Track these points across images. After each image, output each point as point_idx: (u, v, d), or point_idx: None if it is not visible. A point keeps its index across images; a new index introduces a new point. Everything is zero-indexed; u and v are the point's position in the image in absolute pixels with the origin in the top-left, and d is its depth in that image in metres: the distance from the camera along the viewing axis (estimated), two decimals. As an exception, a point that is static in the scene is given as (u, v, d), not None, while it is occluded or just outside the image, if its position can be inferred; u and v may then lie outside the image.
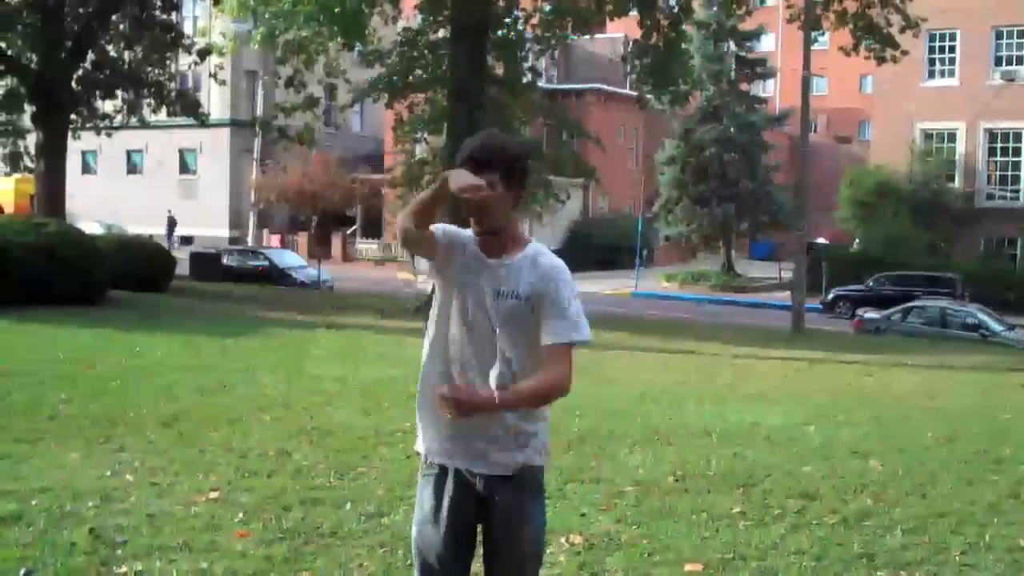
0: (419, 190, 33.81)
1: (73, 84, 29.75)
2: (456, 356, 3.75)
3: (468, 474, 3.77)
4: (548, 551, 6.35)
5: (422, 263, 3.79)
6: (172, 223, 52.45)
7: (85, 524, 6.46)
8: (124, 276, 24.20)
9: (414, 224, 3.65)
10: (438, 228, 3.75)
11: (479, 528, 3.85)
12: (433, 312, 3.84)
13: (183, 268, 32.05)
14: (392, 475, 8.18)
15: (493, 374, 3.69)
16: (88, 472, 7.83)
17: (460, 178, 3.49)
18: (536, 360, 3.71)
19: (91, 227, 36.69)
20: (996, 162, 47.22)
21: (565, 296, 3.71)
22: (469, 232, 3.77)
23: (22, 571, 5.52)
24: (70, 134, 30.54)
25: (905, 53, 29.72)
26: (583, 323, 3.74)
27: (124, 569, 5.72)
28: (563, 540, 6.53)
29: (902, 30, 28.94)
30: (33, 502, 6.88)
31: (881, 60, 29.81)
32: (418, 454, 3.90)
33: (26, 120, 32.75)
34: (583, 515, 7.25)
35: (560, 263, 3.78)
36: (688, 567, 6.21)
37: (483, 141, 3.70)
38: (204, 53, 31.38)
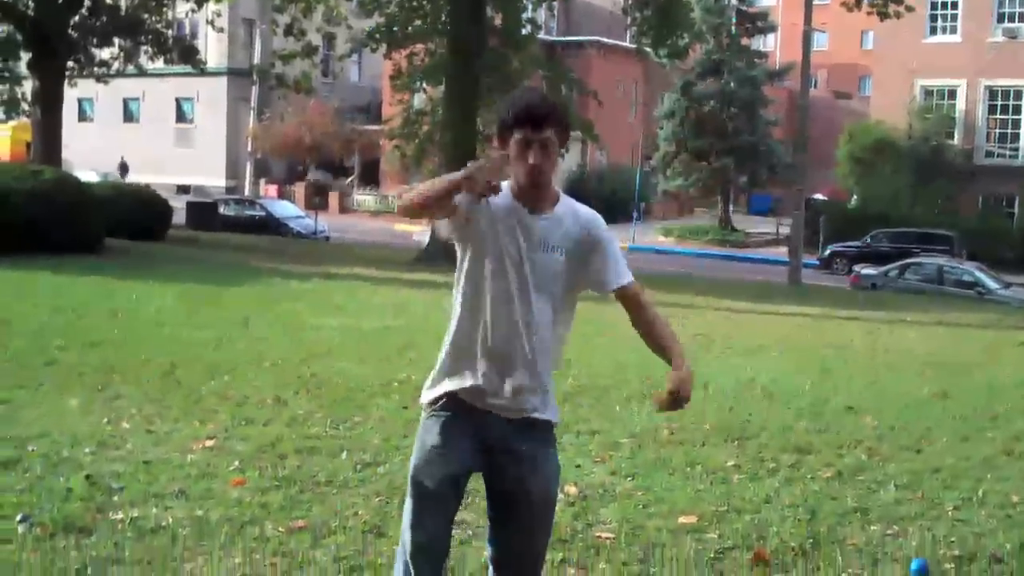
0: (416, 141, 33.81)
1: (70, 31, 29.56)
2: (494, 311, 3.73)
3: (494, 419, 3.77)
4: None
5: (442, 226, 3.76)
6: (124, 167, 51.71)
7: (81, 470, 6.49)
8: (120, 224, 24.16)
9: (428, 212, 3.69)
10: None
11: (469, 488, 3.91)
12: (463, 268, 3.80)
13: (179, 217, 31.99)
14: (388, 424, 8.20)
15: (530, 326, 3.72)
16: (85, 419, 7.85)
17: (484, 171, 3.51)
18: (565, 312, 3.85)
19: (87, 175, 36.57)
20: (996, 120, 47.09)
21: (615, 242, 3.87)
22: (505, 191, 3.74)
23: (19, 516, 5.54)
24: (66, 81, 30.38)
25: (910, 9, 29.52)
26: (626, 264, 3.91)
27: (120, 515, 5.74)
28: (558, 491, 6.55)
29: (905, -16, 28.77)
30: (30, 448, 6.90)
31: (884, 16, 29.59)
32: (433, 401, 3.86)
33: (22, 67, 32.56)
34: (578, 466, 7.28)
35: (596, 213, 3.88)
36: (682, 519, 6.24)
37: (538, 98, 3.74)
38: (202, 0, 31.19)
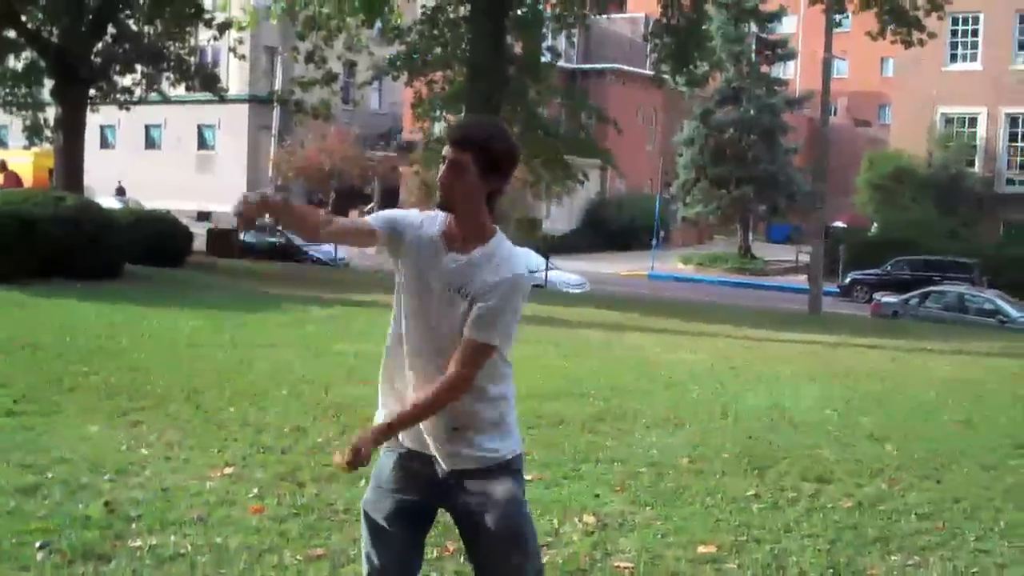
0: (437, 169, 33.93)
1: (93, 58, 29.76)
2: (408, 340, 3.72)
3: (432, 461, 3.75)
4: (561, 530, 6.36)
5: (378, 251, 3.73)
6: (121, 191, 51.62)
7: (101, 497, 6.50)
8: (141, 250, 24.23)
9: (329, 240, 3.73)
10: (373, 218, 3.68)
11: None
12: (396, 290, 3.78)
13: (200, 243, 32.09)
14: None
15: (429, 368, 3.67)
16: (105, 445, 7.86)
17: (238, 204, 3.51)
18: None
19: (108, 202, 36.74)
20: (1017, 147, 46.97)
21: (499, 295, 3.59)
22: (440, 216, 3.68)
23: (38, 543, 5.55)
24: (89, 108, 30.57)
25: (932, 36, 29.47)
26: (507, 332, 3.64)
27: (139, 543, 5.74)
28: (576, 520, 6.54)
29: (927, 13, 28.73)
30: (50, 474, 6.91)
31: (908, 44, 29.54)
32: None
33: (45, 94, 32.79)
34: (597, 495, 7.26)
35: (519, 267, 3.67)
36: (701, 549, 6.22)
37: (471, 121, 3.85)
38: (224, 27, 31.38)
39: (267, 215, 3.47)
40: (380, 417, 3.82)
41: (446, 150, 3.59)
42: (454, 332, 3.62)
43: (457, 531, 3.90)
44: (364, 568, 3.79)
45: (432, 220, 3.68)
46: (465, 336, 3.59)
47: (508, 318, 3.61)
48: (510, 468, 3.75)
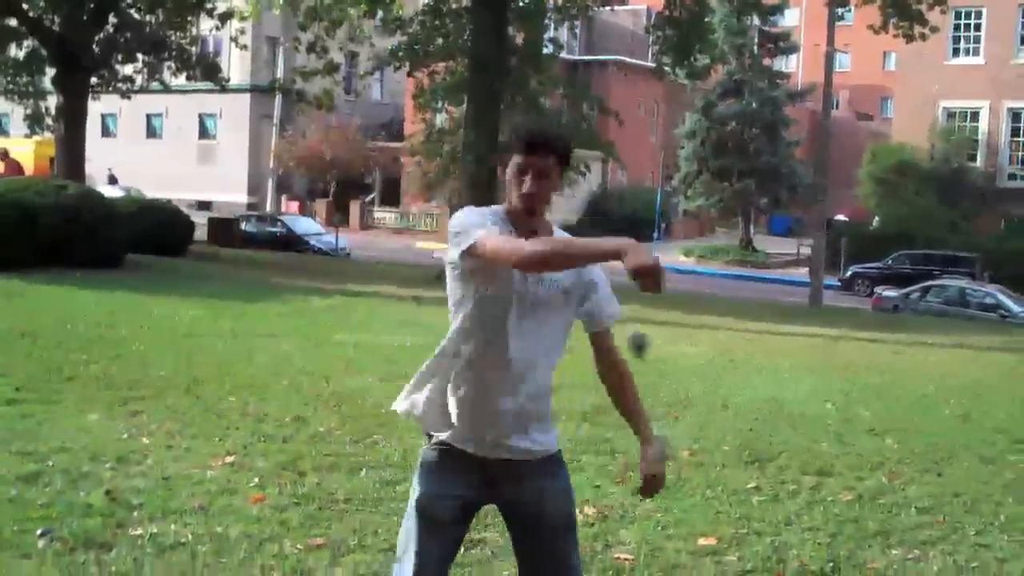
0: (438, 159, 33.89)
1: (94, 46, 29.73)
2: (502, 349, 3.66)
3: (493, 461, 3.73)
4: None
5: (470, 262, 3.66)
6: (113, 179, 51.42)
7: (102, 486, 6.51)
8: (142, 240, 24.23)
9: (547, 270, 3.54)
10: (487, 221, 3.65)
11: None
12: (464, 298, 3.73)
13: (201, 233, 32.09)
14: (408, 442, 8.20)
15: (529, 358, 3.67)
16: (106, 434, 7.87)
17: (639, 255, 3.24)
18: (559, 345, 3.76)
19: (110, 191, 36.74)
20: (1019, 142, 46.95)
21: (607, 281, 3.83)
22: (499, 212, 3.71)
23: (39, 531, 5.55)
24: (90, 96, 30.55)
25: (935, 30, 29.39)
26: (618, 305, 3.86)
27: (139, 531, 5.75)
28: (577, 512, 6.54)
29: (929, 7, 28.68)
30: (51, 462, 6.92)
31: (909, 38, 29.48)
32: (429, 436, 3.81)
33: (47, 82, 32.78)
34: (597, 487, 7.27)
35: None
36: (702, 541, 6.22)
37: (540, 127, 3.73)
38: (225, 17, 31.35)
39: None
40: (433, 428, 3.78)
41: (523, 157, 3.60)
42: (556, 329, 3.72)
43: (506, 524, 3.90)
44: (410, 564, 3.72)
45: (496, 217, 3.68)
46: (602, 325, 3.82)
47: (610, 291, 3.85)
48: (559, 459, 3.87)
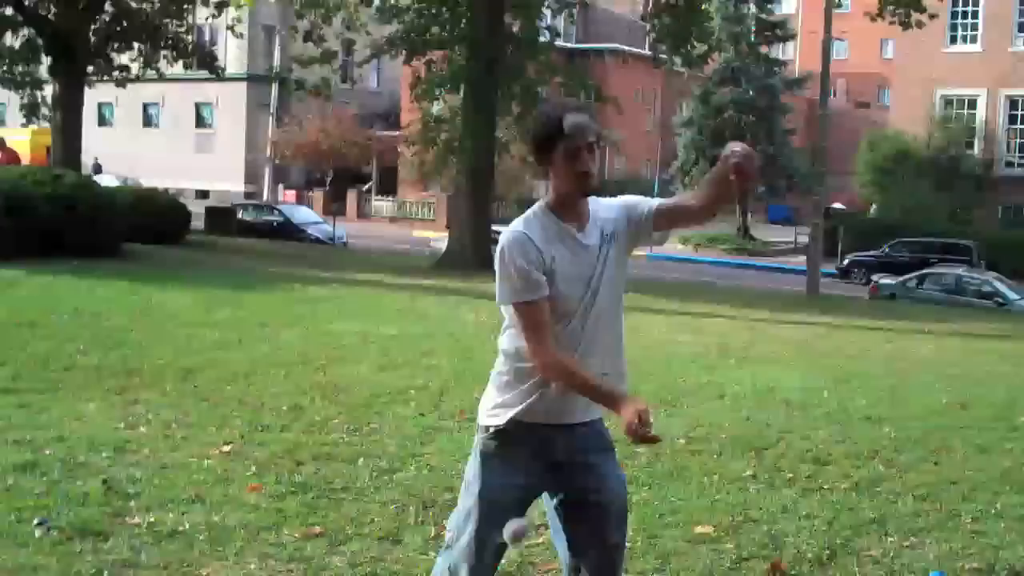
0: (435, 148, 33.81)
1: (90, 35, 29.66)
2: (570, 328, 3.73)
3: (546, 428, 3.79)
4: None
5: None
6: (98, 168, 51.17)
7: (99, 475, 6.50)
8: (139, 229, 24.21)
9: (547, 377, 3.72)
10: (541, 292, 3.67)
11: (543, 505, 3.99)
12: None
13: (198, 222, 32.07)
14: (405, 431, 8.21)
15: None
16: (103, 423, 7.88)
17: (630, 418, 3.55)
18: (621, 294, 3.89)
19: (106, 179, 36.70)
20: (1017, 130, 46.93)
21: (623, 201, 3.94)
22: (537, 219, 3.74)
23: (36, 520, 5.56)
24: (86, 85, 30.49)
25: (932, 17, 29.32)
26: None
27: (137, 520, 5.76)
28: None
29: (926, -7, 28.64)
30: (48, 452, 6.93)
31: (906, 25, 29.42)
32: (498, 429, 3.82)
33: (43, 71, 32.70)
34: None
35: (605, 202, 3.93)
36: (698, 529, 6.22)
37: (576, 105, 3.81)
38: (222, 6, 31.28)
39: None
40: (515, 411, 3.81)
41: (572, 141, 3.65)
42: (612, 279, 3.80)
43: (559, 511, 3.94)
44: (468, 551, 3.77)
45: (533, 229, 3.71)
46: (652, 209, 3.91)
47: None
48: (614, 447, 3.98)
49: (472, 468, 3.88)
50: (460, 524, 3.83)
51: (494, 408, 3.82)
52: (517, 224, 3.72)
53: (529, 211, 3.78)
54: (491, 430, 3.82)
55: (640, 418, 3.52)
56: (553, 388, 3.71)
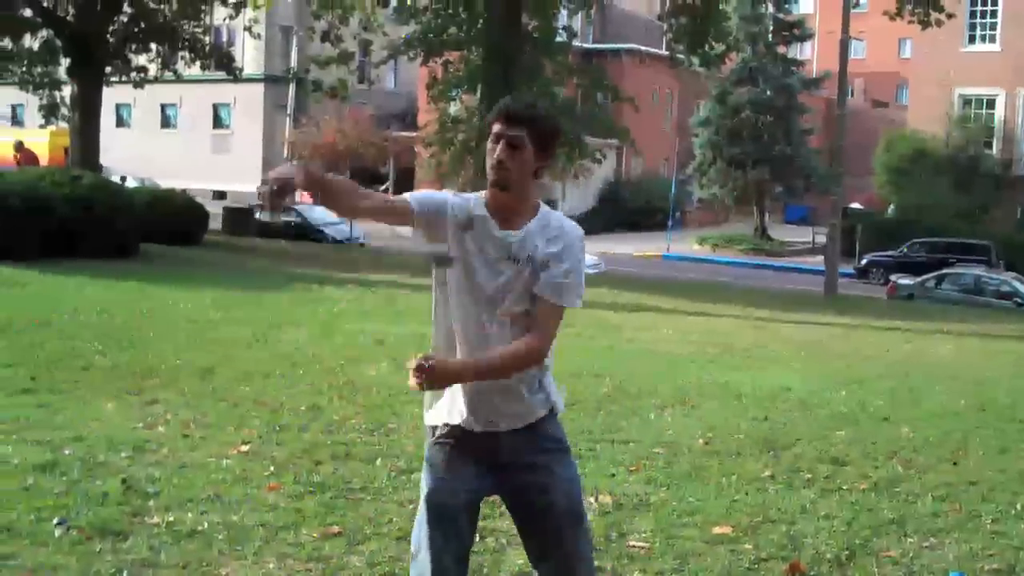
0: (452, 148, 33.87)
1: (108, 36, 29.79)
2: (458, 326, 3.70)
3: (489, 437, 3.73)
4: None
5: (414, 233, 3.71)
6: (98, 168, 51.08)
7: (118, 475, 6.52)
8: (157, 229, 24.29)
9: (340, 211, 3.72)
10: (413, 199, 3.66)
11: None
12: (435, 278, 3.77)
13: (216, 223, 32.15)
14: (423, 431, 8.17)
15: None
16: (121, 423, 7.90)
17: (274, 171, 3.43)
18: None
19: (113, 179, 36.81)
20: (1035, 129, 46.71)
21: (573, 258, 3.67)
22: (472, 196, 3.71)
23: (56, 520, 5.57)
24: (104, 86, 30.62)
25: (951, 16, 29.22)
26: (579, 291, 3.70)
27: (156, 519, 5.77)
28: (592, 500, 6.53)
29: (944, -8, 28.54)
30: (67, 452, 6.95)
31: (925, 24, 29.33)
32: (441, 434, 3.81)
33: (61, 72, 32.86)
34: (612, 476, 7.26)
35: (574, 226, 3.73)
36: (716, 530, 6.21)
37: (523, 100, 3.71)
38: (239, 6, 31.37)
39: (307, 189, 3.43)
40: (442, 414, 3.81)
41: (498, 127, 3.59)
42: (513, 304, 3.65)
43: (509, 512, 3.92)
44: (426, 558, 3.71)
45: (467, 200, 3.69)
46: (545, 305, 3.64)
47: (582, 278, 3.71)
48: (566, 447, 3.85)
49: (421, 479, 3.85)
50: (416, 533, 3.79)
51: (428, 406, 3.86)
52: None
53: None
54: (435, 434, 3.79)
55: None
56: (464, 393, 3.70)
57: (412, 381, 3.51)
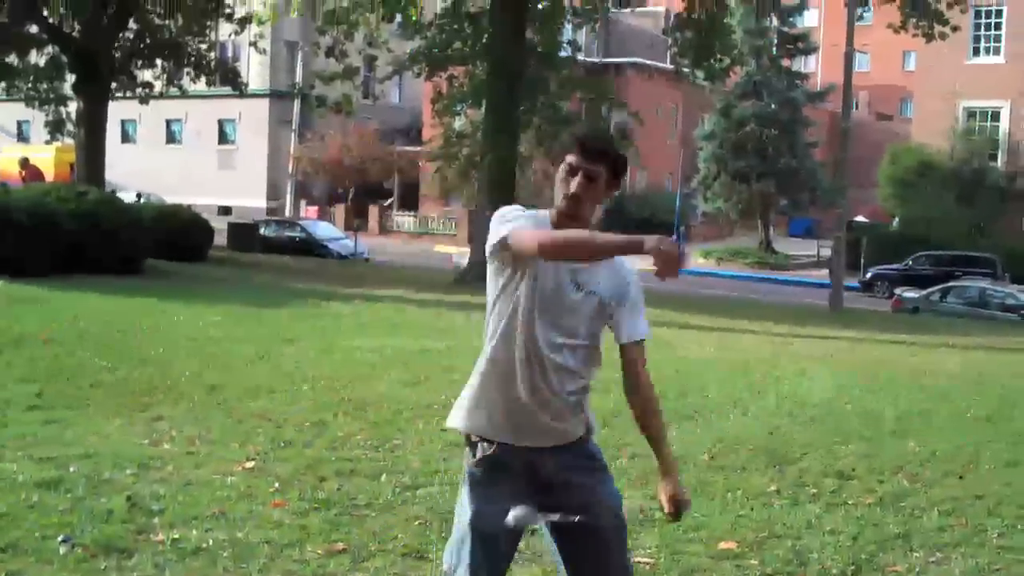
0: (457, 163, 33.93)
1: (114, 52, 29.88)
2: (522, 341, 3.69)
3: (531, 452, 3.74)
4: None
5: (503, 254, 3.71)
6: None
7: (123, 492, 6.52)
8: (163, 245, 24.34)
9: (567, 257, 3.61)
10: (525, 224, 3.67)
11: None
12: (496, 291, 3.76)
13: (221, 238, 32.20)
14: (428, 447, 8.21)
15: (558, 361, 3.70)
16: (127, 440, 7.90)
17: (668, 247, 3.29)
18: (593, 355, 3.79)
19: (129, 197, 36.90)
20: (1040, 142, 46.68)
21: (640, 297, 3.83)
22: (543, 216, 3.72)
23: (60, 537, 5.57)
24: (109, 102, 30.71)
25: (955, 29, 29.25)
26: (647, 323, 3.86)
27: (160, 537, 5.76)
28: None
29: (949, 6, 28.56)
30: (72, 468, 6.94)
31: (929, 37, 29.37)
32: (469, 438, 3.81)
33: (67, 88, 32.96)
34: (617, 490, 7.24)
35: (631, 265, 3.83)
36: (722, 545, 6.20)
37: (596, 132, 3.76)
38: (244, 22, 31.46)
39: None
40: (463, 419, 3.81)
41: (574, 159, 3.64)
42: (578, 329, 3.71)
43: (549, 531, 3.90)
44: (464, 574, 3.73)
45: (544, 220, 3.71)
46: (631, 337, 3.79)
47: (642, 308, 3.86)
48: (604, 464, 3.94)
49: (462, 495, 3.83)
50: (456, 553, 3.77)
51: (466, 417, 3.81)
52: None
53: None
54: (476, 456, 3.77)
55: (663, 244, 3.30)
56: (512, 408, 3.70)
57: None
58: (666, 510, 3.83)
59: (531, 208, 3.78)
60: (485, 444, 3.76)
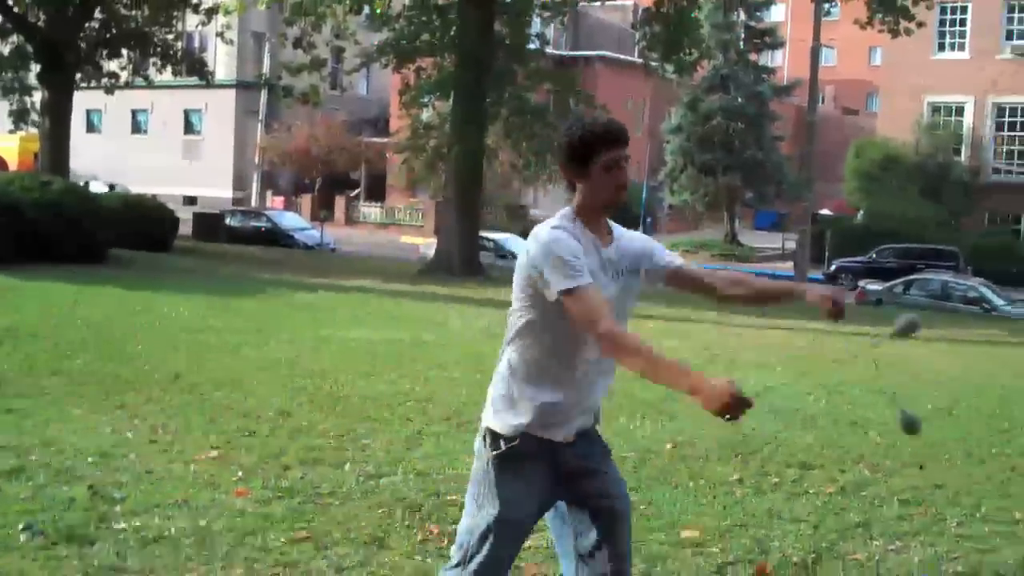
0: (424, 155, 33.83)
1: (79, 42, 29.66)
2: (574, 344, 3.69)
3: (553, 443, 3.73)
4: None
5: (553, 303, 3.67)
6: None
7: (84, 480, 6.49)
8: (127, 235, 24.20)
9: (618, 360, 3.66)
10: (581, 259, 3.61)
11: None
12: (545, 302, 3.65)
13: (186, 228, 32.04)
14: (392, 436, 8.21)
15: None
16: (89, 428, 7.87)
17: (714, 399, 3.55)
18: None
19: (95, 186, 36.67)
20: (1003, 137, 47.06)
21: (649, 240, 4.03)
22: (568, 226, 3.68)
23: (22, 525, 5.54)
24: (75, 91, 30.49)
25: (921, 25, 29.44)
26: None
27: (122, 524, 5.74)
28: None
29: (915, 2, 28.73)
30: (33, 457, 6.91)
31: (895, 33, 29.55)
32: (492, 431, 3.76)
33: (32, 78, 32.71)
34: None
35: (621, 228, 3.94)
36: (685, 533, 6.23)
37: (607, 121, 3.76)
38: (211, 12, 31.30)
39: None
40: (525, 422, 3.72)
41: (615, 152, 3.68)
42: (625, 307, 3.87)
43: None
44: (489, 571, 3.72)
45: (575, 234, 3.67)
46: (671, 263, 3.99)
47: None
48: (609, 448, 4.00)
49: (484, 486, 3.75)
50: (474, 543, 3.73)
51: (505, 413, 3.74)
52: (552, 223, 3.68)
53: (555, 218, 3.71)
54: (503, 447, 3.72)
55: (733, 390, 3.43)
56: (565, 399, 3.72)
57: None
58: (829, 306, 4.08)
59: (557, 224, 3.69)
60: (513, 436, 3.72)
